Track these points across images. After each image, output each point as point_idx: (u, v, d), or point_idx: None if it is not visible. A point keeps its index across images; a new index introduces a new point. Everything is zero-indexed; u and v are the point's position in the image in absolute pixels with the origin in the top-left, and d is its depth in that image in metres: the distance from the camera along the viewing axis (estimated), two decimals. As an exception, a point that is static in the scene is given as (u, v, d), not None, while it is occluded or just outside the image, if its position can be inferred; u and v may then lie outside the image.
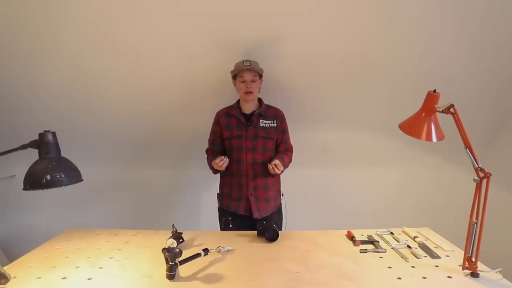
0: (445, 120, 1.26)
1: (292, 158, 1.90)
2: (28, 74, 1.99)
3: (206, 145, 1.93)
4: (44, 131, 1.18)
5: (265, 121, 1.79)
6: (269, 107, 1.85)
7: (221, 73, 1.95)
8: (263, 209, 1.79)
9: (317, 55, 1.95)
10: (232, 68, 1.79)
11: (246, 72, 1.72)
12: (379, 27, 1.83)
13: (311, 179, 2.52)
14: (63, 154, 1.22)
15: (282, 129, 1.83)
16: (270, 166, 1.67)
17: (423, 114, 1.23)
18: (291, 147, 1.90)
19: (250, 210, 1.77)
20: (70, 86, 2.05)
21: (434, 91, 1.21)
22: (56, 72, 1.98)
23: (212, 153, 1.86)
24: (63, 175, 1.15)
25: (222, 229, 1.86)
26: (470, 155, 1.16)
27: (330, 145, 2.43)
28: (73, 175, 1.19)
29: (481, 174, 1.15)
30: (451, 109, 1.16)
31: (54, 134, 1.19)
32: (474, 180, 1.17)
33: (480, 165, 1.15)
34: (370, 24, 1.81)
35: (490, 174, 1.13)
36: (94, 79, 2.03)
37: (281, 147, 1.85)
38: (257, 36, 1.86)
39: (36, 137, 1.17)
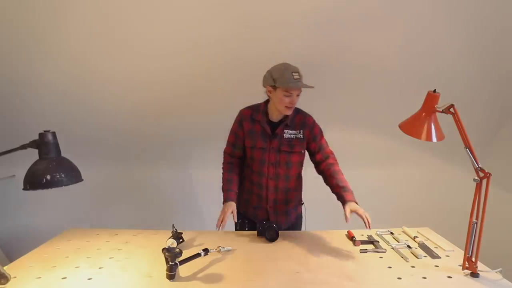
0: (445, 120, 1.26)
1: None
2: (30, 74, 1.99)
3: (208, 145, 1.91)
4: (44, 131, 1.18)
5: (290, 131, 1.57)
6: (297, 112, 1.61)
7: (223, 72, 1.94)
8: (282, 222, 1.68)
9: (317, 55, 1.95)
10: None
11: (295, 89, 1.46)
12: (379, 27, 1.83)
13: (311, 179, 2.52)
14: (63, 154, 1.22)
15: (312, 138, 1.59)
16: (366, 222, 1.37)
17: (423, 114, 1.23)
18: (331, 156, 1.61)
19: (268, 220, 1.68)
20: (72, 86, 2.06)
21: (434, 91, 1.21)
22: (57, 72, 1.99)
23: (228, 168, 1.68)
24: (63, 175, 1.15)
25: (237, 229, 1.77)
26: (470, 155, 1.15)
27: (330, 145, 2.43)
28: (73, 175, 1.19)
29: (481, 174, 1.15)
30: (451, 109, 1.16)
31: (54, 134, 1.19)
32: (474, 180, 1.17)
33: (480, 165, 1.15)
34: (370, 24, 1.81)
35: (490, 174, 1.13)
36: (96, 79, 2.03)
37: (318, 156, 1.60)
38: (258, 36, 1.86)
39: (36, 137, 1.17)
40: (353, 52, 1.95)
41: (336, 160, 1.61)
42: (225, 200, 1.62)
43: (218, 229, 1.49)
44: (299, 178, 1.70)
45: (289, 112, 1.52)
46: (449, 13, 1.78)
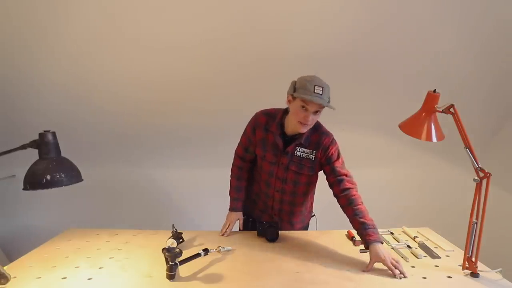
0: (445, 120, 1.26)
1: None
2: (31, 74, 1.99)
3: (207, 145, 1.90)
4: (44, 131, 1.18)
5: (302, 149, 1.45)
6: (315, 130, 1.45)
7: (224, 73, 1.94)
8: (286, 229, 1.64)
9: (316, 55, 1.95)
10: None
11: (314, 103, 1.29)
12: (379, 27, 1.83)
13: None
14: (63, 154, 1.22)
15: (326, 160, 1.45)
16: (396, 272, 1.20)
17: (423, 114, 1.23)
18: (347, 175, 1.43)
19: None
20: (73, 86, 2.06)
21: (434, 91, 1.21)
22: (58, 72, 1.99)
23: (238, 174, 1.63)
24: (63, 175, 1.15)
25: (240, 229, 1.73)
26: (470, 155, 1.16)
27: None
28: (73, 175, 1.19)
29: (481, 174, 1.15)
30: (451, 109, 1.16)
31: (54, 134, 1.19)
32: (474, 180, 1.17)
33: (480, 165, 1.15)
34: (370, 24, 1.81)
35: (490, 174, 1.13)
36: (98, 79, 2.03)
37: (331, 179, 1.44)
38: (258, 37, 1.86)
39: (36, 137, 1.17)
40: (353, 52, 1.95)
41: (353, 184, 1.42)
42: (232, 209, 1.62)
43: (221, 235, 1.55)
44: (307, 194, 1.59)
45: (302, 130, 1.37)
46: (450, 13, 1.78)
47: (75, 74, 1.99)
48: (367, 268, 1.24)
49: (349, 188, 1.39)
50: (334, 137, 1.48)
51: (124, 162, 2.52)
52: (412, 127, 1.26)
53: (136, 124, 2.29)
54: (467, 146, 1.16)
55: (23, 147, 1.16)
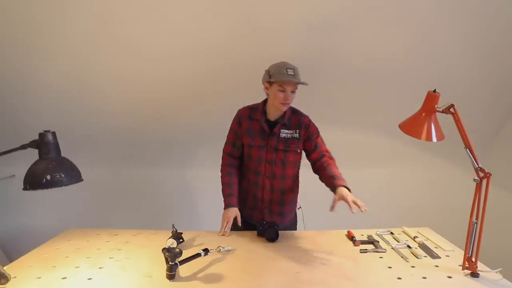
0: (445, 120, 1.26)
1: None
2: (29, 74, 1.99)
3: (207, 145, 1.91)
4: (44, 131, 1.18)
5: (286, 131, 1.60)
6: (293, 113, 1.63)
7: (226, 72, 1.94)
8: (276, 223, 1.66)
9: (317, 55, 1.95)
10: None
11: (289, 83, 1.48)
12: (379, 27, 1.83)
13: (311, 179, 2.52)
14: (63, 154, 1.22)
15: (308, 136, 1.62)
16: (353, 206, 1.29)
17: (423, 114, 1.24)
18: (327, 155, 1.62)
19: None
20: (71, 86, 2.06)
21: (434, 91, 1.21)
22: (57, 72, 1.99)
23: (228, 171, 1.69)
24: (63, 175, 1.15)
25: (231, 229, 1.74)
26: (470, 155, 1.15)
27: (330, 145, 2.41)
28: (73, 175, 1.19)
29: (481, 174, 1.15)
30: (451, 109, 1.16)
31: (54, 134, 1.19)
32: (474, 180, 1.17)
33: (480, 165, 1.15)
34: (370, 24, 1.81)
35: (490, 174, 1.13)
36: (95, 79, 2.03)
37: (314, 155, 1.62)
38: (258, 37, 1.86)
39: (36, 137, 1.17)
40: (354, 53, 1.95)
41: (332, 158, 1.61)
42: (227, 206, 1.64)
43: (221, 235, 1.56)
44: (295, 180, 1.71)
45: (284, 108, 1.54)
46: (449, 13, 1.78)
47: (71, 74, 1.99)
48: (331, 208, 1.33)
49: (327, 161, 1.58)
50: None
51: (124, 162, 2.52)
52: (412, 127, 1.26)
53: (136, 124, 2.29)
54: (467, 146, 1.16)
55: (23, 147, 1.16)
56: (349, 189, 1.39)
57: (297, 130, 1.61)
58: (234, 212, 1.60)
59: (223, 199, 1.67)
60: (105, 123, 2.26)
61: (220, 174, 1.72)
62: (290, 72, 1.47)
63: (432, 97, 1.21)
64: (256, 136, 1.62)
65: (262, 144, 1.61)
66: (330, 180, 1.47)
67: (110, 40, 1.84)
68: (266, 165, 1.62)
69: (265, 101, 1.64)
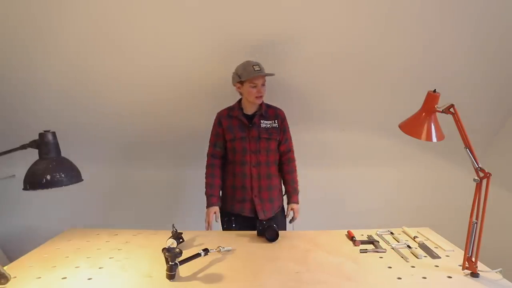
0: (445, 120, 1.26)
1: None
2: (29, 74, 1.99)
3: (207, 145, 1.91)
4: (44, 131, 1.18)
5: (266, 122, 1.75)
6: (269, 106, 1.82)
7: (222, 73, 1.95)
8: (268, 209, 1.79)
9: (316, 55, 1.95)
10: (233, 67, 1.77)
11: (258, 78, 1.66)
12: (379, 27, 1.83)
13: (311, 179, 2.52)
14: (63, 154, 1.22)
15: (282, 128, 1.80)
16: (290, 214, 1.81)
17: (423, 114, 1.24)
18: (292, 150, 1.86)
19: (255, 211, 1.77)
20: (71, 86, 2.06)
21: (434, 91, 1.21)
22: (56, 72, 1.99)
23: (210, 172, 1.79)
24: (63, 175, 1.15)
25: (224, 229, 1.85)
26: (470, 155, 1.15)
27: (330, 145, 2.43)
28: (73, 175, 1.19)
29: (481, 174, 1.15)
30: (451, 109, 1.16)
31: (54, 134, 1.19)
32: (474, 180, 1.17)
33: (480, 165, 1.15)
34: (370, 24, 1.81)
35: (490, 174, 1.13)
36: (95, 79, 2.03)
37: (283, 147, 1.81)
38: (259, 36, 1.86)
39: (36, 137, 1.17)
40: (354, 53, 1.95)
41: (294, 157, 1.86)
42: (208, 205, 1.75)
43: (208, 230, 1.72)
44: (277, 165, 1.85)
45: (259, 101, 1.72)
46: (449, 13, 1.77)
47: (71, 75, 1.99)
48: (291, 220, 1.81)
49: (293, 159, 1.85)
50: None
51: (124, 162, 2.52)
52: (412, 127, 1.26)
53: (135, 124, 2.29)
54: (467, 146, 1.16)
55: (23, 147, 1.16)
56: (297, 203, 1.81)
57: (276, 121, 1.78)
58: (213, 210, 1.73)
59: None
60: (106, 123, 2.26)
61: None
62: (257, 68, 1.64)
63: (432, 97, 1.21)
64: (237, 130, 1.75)
65: (243, 136, 1.74)
66: (290, 190, 1.82)
67: (108, 40, 1.83)
68: (251, 154, 1.75)
69: (239, 100, 1.80)
